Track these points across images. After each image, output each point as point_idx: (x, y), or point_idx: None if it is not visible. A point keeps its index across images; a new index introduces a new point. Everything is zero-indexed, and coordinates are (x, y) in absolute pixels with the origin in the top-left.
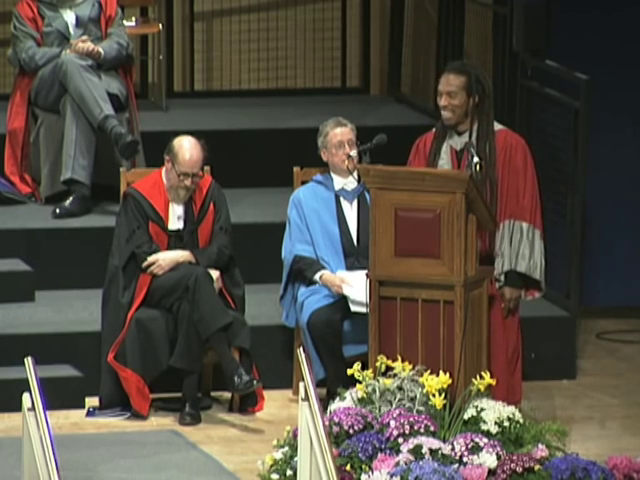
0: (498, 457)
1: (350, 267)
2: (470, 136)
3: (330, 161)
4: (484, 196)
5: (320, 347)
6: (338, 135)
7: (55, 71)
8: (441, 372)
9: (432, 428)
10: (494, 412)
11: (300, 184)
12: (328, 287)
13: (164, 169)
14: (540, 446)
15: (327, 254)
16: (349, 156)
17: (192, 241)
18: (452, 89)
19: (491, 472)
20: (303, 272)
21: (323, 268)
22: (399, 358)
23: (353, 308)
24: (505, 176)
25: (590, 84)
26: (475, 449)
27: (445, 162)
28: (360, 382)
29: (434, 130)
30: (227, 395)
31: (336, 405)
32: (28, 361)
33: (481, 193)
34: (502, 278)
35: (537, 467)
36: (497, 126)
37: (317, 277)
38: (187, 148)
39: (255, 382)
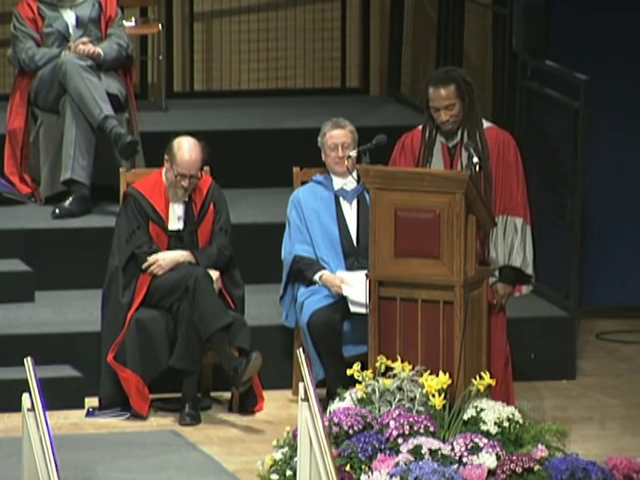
0: (498, 457)
1: (350, 267)
2: (462, 133)
3: (325, 161)
4: (480, 190)
5: (320, 347)
6: (334, 137)
7: (55, 71)
8: (441, 372)
9: (432, 428)
10: (494, 412)
11: (300, 184)
12: (328, 287)
13: (164, 169)
14: (540, 446)
15: (327, 254)
16: (349, 156)
17: (192, 241)
18: (448, 102)
19: (491, 472)
20: (303, 272)
21: (323, 268)
22: (399, 358)
23: (353, 308)
24: (499, 172)
25: (590, 84)
26: (475, 449)
27: (438, 159)
28: (360, 382)
29: (421, 127)
30: (227, 395)
31: (336, 405)
32: (28, 361)
33: (480, 193)
34: (496, 274)
35: (537, 467)
36: (486, 124)
37: (317, 277)
38: (186, 149)
39: (255, 354)
